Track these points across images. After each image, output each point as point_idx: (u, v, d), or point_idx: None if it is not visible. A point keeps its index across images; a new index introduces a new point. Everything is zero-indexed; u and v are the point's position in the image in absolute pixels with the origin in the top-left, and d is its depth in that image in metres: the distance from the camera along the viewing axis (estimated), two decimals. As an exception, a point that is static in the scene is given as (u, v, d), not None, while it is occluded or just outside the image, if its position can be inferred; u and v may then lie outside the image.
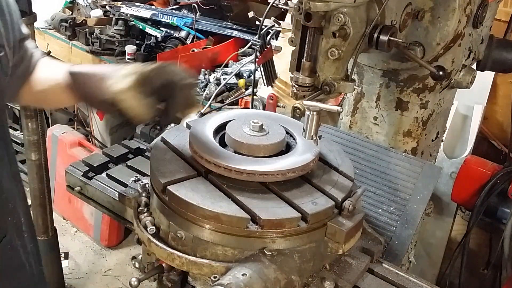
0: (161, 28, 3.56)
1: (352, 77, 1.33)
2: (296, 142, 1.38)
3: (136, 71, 1.17)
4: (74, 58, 3.69)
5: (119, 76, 1.18)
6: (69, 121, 4.47)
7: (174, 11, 3.78)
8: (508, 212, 2.33)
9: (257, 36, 2.53)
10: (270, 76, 2.27)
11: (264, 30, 2.64)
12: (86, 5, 3.95)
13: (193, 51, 3.25)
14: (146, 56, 3.29)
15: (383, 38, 1.29)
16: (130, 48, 3.34)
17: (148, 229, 1.26)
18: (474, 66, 1.76)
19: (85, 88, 1.25)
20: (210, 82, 2.99)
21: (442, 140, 2.00)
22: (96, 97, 1.21)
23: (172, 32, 3.54)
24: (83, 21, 3.72)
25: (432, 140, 1.85)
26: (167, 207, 1.23)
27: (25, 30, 1.32)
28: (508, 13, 2.07)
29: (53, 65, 1.41)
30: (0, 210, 1.28)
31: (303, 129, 1.29)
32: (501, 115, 3.28)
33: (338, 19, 1.21)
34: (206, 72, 3.11)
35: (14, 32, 1.25)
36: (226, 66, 3.16)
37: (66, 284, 3.25)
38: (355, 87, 1.33)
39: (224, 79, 2.96)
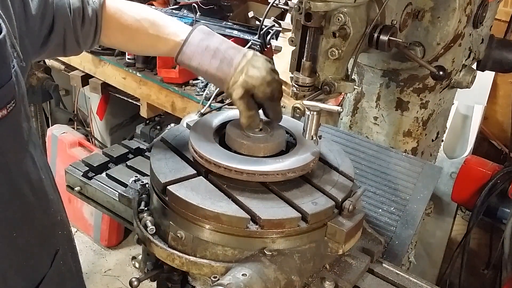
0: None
1: (352, 77, 1.33)
2: (296, 142, 1.38)
3: (244, 85, 1.29)
4: (73, 58, 3.68)
5: (231, 85, 1.29)
6: (69, 121, 4.47)
7: (174, 11, 3.77)
8: (508, 212, 2.33)
9: (257, 36, 2.54)
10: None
11: (264, 30, 2.65)
12: (86, 5, 3.94)
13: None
14: (146, 56, 3.29)
15: (383, 38, 1.29)
16: (130, 48, 3.33)
17: (148, 229, 1.26)
18: (474, 66, 1.76)
19: (196, 73, 1.40)
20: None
21: (442, 140, 2.00)
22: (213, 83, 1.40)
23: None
24: (83, 21, 3.72)
25: (432, 140, 1.85)
26: (167, 207, 1.23)
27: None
28: (508, 13, 2.06)
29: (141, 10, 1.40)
30: (50, 225, 1.25)
31: (303, 129, 1.28)
32: (501, 115, 3.28)
33: (338, 19, 1.21)
34: (206, 72, 3.10)
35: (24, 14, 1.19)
36: (226, 66, 3.15)
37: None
38: (355, 87, 1.33)
39: (224, 79, 2.95)
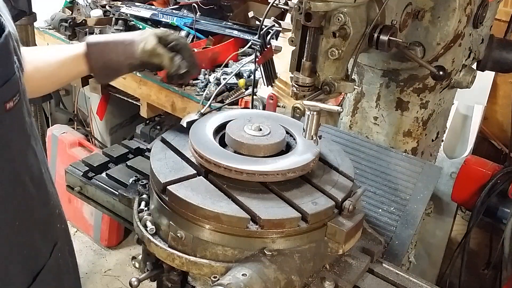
0: (161, 28, 3.56)
1: (352, 77, 1.33)
2: (296, 142, 1.38)
3: (153, 33, 1.42)
4: (74, 58, 3.68)
5: (144, 38, 1.40)
6: (69, 121, 4.47)
7: (174, 11, 3.77)
8: (508, 212, 2.32)
9: (257, 36, 2.53)
10: (270, 76, 2.26)
11: (264, 30, 2.64)
12: (86, 5, 3.95)
13: (193, 51, 3.24)
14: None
15: (383, 38, 1.29)
16: (130, 48, 3.33)
17: (148, 229, 1.26)
18: (474, 66, 1.76)
19: (108, 56, 1.41)
20: (210, 82, 2.99)
21: (442, 140, 2.00)
22: (123, 62, 1.42)
23: (172, 32, 3.53)
24: (83, 21, 3.72)
25: (432, 140, 1.85)
26: (167, 207, 1.23)
27: None
28: (508, 13, 2.06)
29: (43, 49, 1.48)
30: (50, 217, 1.27)
31: (303, 129, 1.29)
32: (501, 115, 3.28)
33: (338, 19, 1.21)
34: (206, 72, 3.11)
35: None
36: (226, 66, 3.16)
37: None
38: (355, 87, 1.33)
39: (224, 79, 2.95)
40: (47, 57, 1.40)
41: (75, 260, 1.43)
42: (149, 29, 1.46)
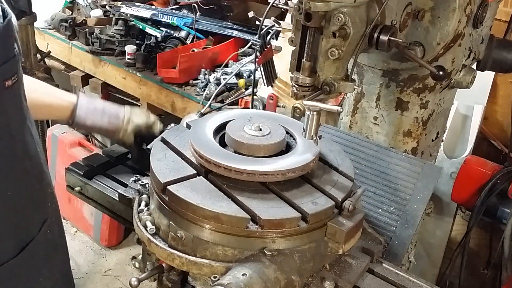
0: (161, 28, 3.56)
1: (352, 77, 1.33)
2: (296, 142, 1.38)
3: (135, 128, 1.66)
4: (74, 58, 3.69)
5: (126, 135, 1.66)
6: (69, 121, 4.46)
7: (174, 11, 3.77)
8: (508, 212, 2.32)
9: (257, 36, 2.53)
10: (270, 76, 2.26)
11: (264, 30, 2.64)
12: (86, 5, 3.95)
13: (193, 51, 3.25)
14: (146, 56, 3.29)
15: (383, 38, 1.29)
16: (130, 48, 3.34)
17: (148, 229, 1.26)
18: (474, 66, 1.76)
19: (89, 131, 1.73)
20: (210, 82, 2.99)
21: (442, 140, 2.00)
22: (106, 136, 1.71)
23: (172, 32, 3.54)
24: (83, 21, 3.72)
25: (432, 140, 1.85)
26: (167, 207, 1.23)
27: None
28: (508, 13, 2.06)
29: (39, 83, 1.62)
30: (42, 194, 1.33)
31: (303, 129, 1.29)
32: (501, 115, 3.28)
33: (338, 19, 1.21)
34: (206, 72, 3.11)
35: None
36: (226, 66, 3.16)
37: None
38: (355, 87, 1.33)
39: (224, 79, 2.96)
40: (38, 91, 1.52)
41: (64, 241, 1.48)
42: (133, 120, 1.66)
